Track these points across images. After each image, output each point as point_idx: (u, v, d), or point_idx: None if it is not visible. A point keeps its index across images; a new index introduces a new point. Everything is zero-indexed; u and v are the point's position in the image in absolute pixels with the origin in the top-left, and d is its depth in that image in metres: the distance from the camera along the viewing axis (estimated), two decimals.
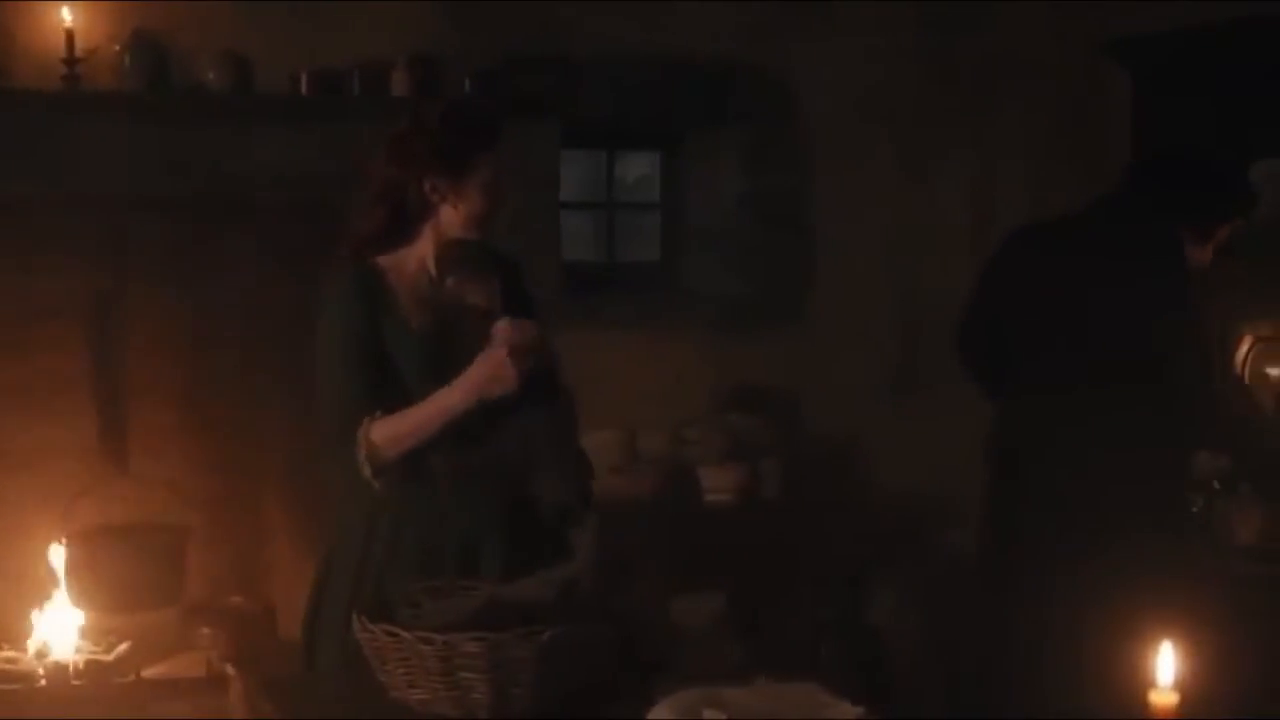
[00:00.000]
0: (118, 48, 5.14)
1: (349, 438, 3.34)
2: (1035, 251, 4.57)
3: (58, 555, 5.00)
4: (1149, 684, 2.38)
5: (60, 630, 4.90)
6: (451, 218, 3.43)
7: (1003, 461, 4.63)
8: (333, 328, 3.44)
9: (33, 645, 4.86)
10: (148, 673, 4.83)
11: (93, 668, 4.75)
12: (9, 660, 4.81)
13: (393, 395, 3.40)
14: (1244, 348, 5.44)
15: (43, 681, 4.73)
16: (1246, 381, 5.40)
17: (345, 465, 3.36)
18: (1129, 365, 4.39)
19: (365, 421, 3.34)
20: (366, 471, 3.35)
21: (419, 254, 3.47)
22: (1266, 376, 5.35)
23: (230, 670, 4.53)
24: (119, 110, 5.16)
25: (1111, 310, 4.39)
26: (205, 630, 5.00)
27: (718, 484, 5.71)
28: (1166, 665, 2.37)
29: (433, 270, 3.47)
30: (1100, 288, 4.44)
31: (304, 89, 5.32)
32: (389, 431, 3.35)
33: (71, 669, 4.76)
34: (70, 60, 5.11)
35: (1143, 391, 4.38)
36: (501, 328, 3.35)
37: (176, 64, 5.23)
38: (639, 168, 6.55)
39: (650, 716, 2.68)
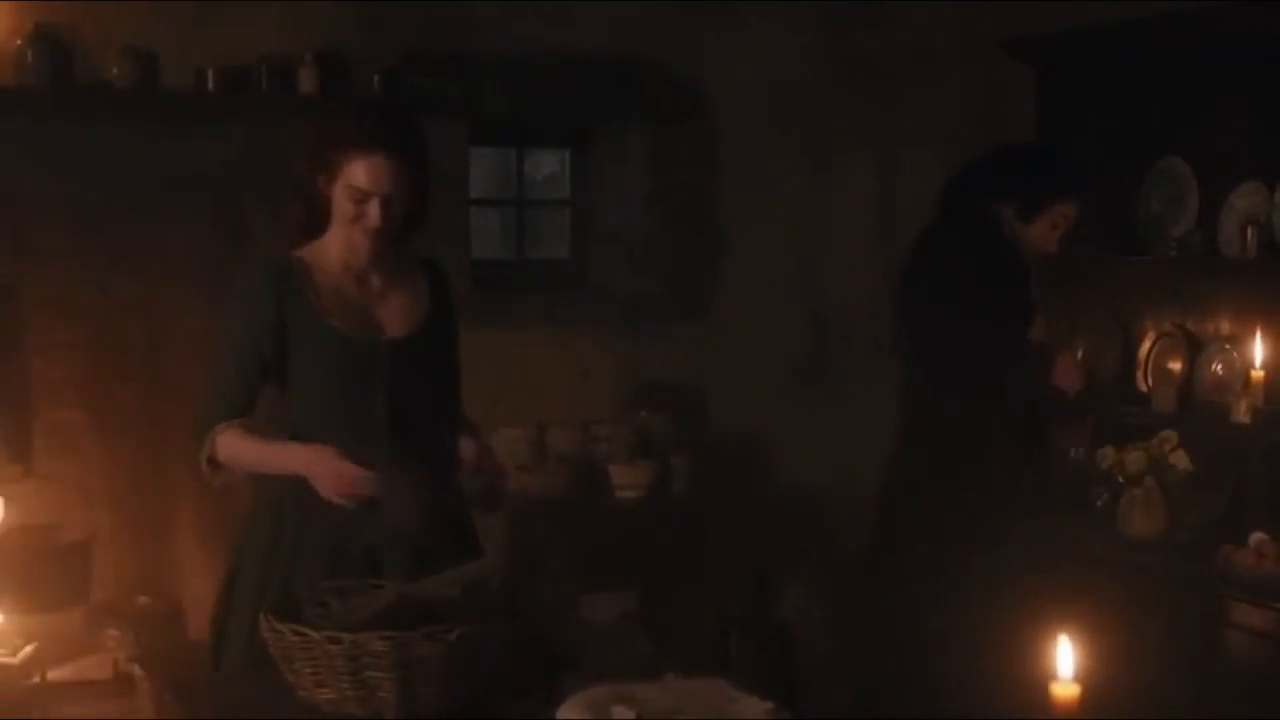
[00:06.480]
0: (19, 42, 5.08)
1: (205, 431, 3.41)
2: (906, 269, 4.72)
3: None
4: (1050, 676, 2.42)
5: None
6: None
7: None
8: (234, 321, 3.45)
9: None
10: (54, 675, 4.78)
11: None
12: None
13: (300, 388, 3.42)
14: (1147, 343, 5.51)
15: None
16: (1150, 376, 5.47)
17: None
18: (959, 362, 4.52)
19: (219, 425, 3.37)
20: (204, 468, 3.41)
21: (339, 251, 3.46)
22: (1169, 371, 5.42)
23: (138, 671, 4.52)
24: (21, 106, 5.10)
25: (938, 306, 4.52)
26: (112, 631, 4.95)
27: (627, 481, 5.73)
28: (1066, 658, 2.41)
29: (355, 268, 3.48)
30: (926, 281, 4.59)
31: (210, 85, 5.28)
32: (231, 448, 3.41)
33: None
34: None
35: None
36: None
37: (80, 60, 5.17)
38: (548, 164, 6.54)
39: (559, 714, 2.69)
